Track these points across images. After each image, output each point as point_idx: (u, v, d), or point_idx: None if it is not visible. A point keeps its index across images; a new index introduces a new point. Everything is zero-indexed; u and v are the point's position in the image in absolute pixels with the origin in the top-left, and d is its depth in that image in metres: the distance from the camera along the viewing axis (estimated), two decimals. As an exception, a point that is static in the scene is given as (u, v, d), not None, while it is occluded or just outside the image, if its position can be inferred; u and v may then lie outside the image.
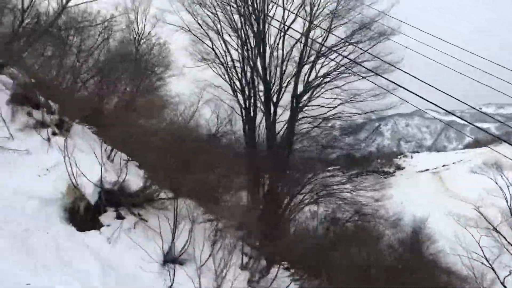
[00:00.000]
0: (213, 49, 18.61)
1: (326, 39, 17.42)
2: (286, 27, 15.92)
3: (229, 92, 20.05)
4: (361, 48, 15.07)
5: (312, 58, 17.88)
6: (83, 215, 7.20)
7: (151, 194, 8.21)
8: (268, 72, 17.97)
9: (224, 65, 19.22)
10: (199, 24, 18.03)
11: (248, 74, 19.31)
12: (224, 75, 19.63)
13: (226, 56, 19.33)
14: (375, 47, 17.04)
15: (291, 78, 17.61)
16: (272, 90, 18.18)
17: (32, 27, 11.49)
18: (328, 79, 17.59)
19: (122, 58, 16.05)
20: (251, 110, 19.76)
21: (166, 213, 8.71)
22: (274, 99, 18.63)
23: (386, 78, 10.39)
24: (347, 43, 15.71)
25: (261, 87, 19.45)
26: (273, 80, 18.07)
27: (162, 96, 18.94)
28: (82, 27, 12.62)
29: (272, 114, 18.26)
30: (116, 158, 10.09)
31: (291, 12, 15.47)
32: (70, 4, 11.70)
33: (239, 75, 19.28)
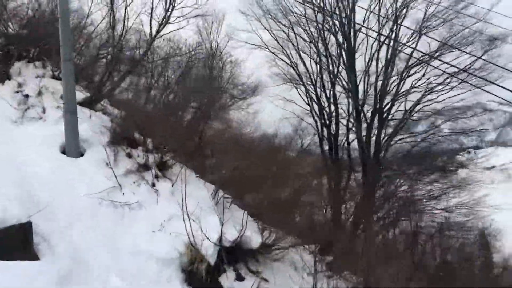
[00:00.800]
0: (291, 65, 17.69)
1: (417, 44, 15.91)
2: (382, 37, 14.60)
3: (305, 108, 19.09)
4: (473, 55, 13.35)
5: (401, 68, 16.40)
6: (203, 277, 6.40)
7: (270, 245, 7.29)
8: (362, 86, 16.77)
9: (302, 80, 18.24)
10: (277, 41, 17.22)
11: (328, 91, 18.22)
12: (299, 89, 18.69)
13: (298, 70, 18.37)
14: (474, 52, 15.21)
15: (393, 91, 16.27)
16: (361, 105, 16.86)
17: (123, 59, 11.20)
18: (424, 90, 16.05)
19: (202, 82, 15.62)
20: (332, 127, 18.63)
21: (284, 265, 7.81)
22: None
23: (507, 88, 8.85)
24: (448, 49, 14.07)
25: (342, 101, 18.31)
26: (363, 94, 16.77)
27: (239, 116, 18.32)
28: (167, 57, 12.20)
29: (366, 131, 16.97)
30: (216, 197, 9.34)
31: (381, 16, 14.15)
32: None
33: (319, 90, 18.21)
